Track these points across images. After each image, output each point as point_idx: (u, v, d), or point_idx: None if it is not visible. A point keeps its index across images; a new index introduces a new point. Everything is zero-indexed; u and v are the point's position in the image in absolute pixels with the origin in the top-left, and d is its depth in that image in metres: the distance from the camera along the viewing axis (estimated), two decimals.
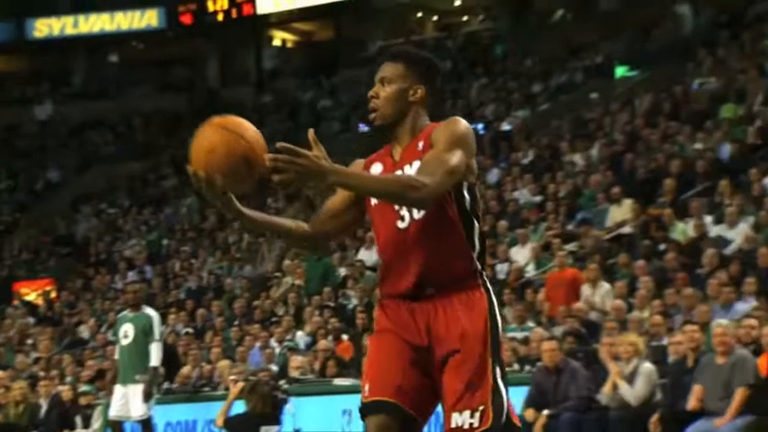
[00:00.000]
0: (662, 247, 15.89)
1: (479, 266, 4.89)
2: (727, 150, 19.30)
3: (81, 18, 36.08)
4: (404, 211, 4.84)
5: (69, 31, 36.28)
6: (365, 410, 4.84)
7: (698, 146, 18.93)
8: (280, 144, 4.19)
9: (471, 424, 4.70)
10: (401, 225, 4.84)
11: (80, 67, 37.63)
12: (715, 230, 15.74)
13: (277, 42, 39.07)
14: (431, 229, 4.84)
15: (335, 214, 5.04)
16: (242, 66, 38.13)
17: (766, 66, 22.04)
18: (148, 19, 36.20)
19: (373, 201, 4.92)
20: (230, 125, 4.63)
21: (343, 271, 21.72)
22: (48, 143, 33.33)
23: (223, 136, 4.57)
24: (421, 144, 4.86)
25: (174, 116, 35.78)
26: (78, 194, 31.60)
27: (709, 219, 15.94)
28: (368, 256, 21.70)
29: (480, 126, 26.49)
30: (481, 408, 4.68)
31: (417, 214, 4.85)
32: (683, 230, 16.08)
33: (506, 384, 4.80)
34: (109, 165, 33.85)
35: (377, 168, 5.02)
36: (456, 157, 4.68)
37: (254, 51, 38.33)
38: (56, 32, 35.79)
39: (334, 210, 5.04)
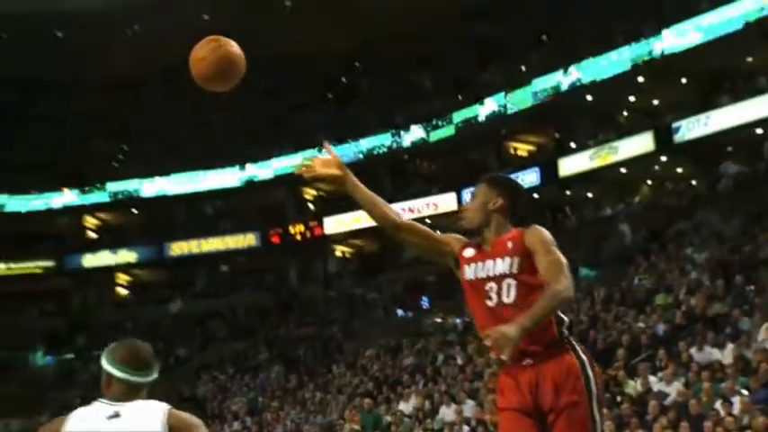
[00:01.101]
0: (618, 399, 15.73)
1: (567, 333, 4.64)
2: (662, 328, 19.22)
3: (203, 241, 36.80)
4: (492, 293, 4.63)
5: (194, 250, 36.91)
6: None
7: (641, 324, 19.03)
8: (489, 333, 4.08)
9: None
10: (489, 304, 4.64)
11: (201, 275, 37.95)
12: (657, 386, 15.73)
13: (338, 253, 38.78)
14: (522, 306, 4.52)
15: (430, 244, 4.83)
16: (314, 271, 37.82)
17: (686, 267, 22.16)
18: (249, 240, 36.61)
19: (467, 276, 4.69)
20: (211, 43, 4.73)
21: (388, 419, 21.19)
22: (178, 330, 33.66)
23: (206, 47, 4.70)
24: (510, 244, 4.66)
25: (266, 309, 35.58)
26: (199, 366, 31.71)
27: (652, 378, 15.93)
28: (405, 407, 21.17)
29: None
30: None
31: (506, 297, 4.62)
32: (634, 387, 16.11)
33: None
34: (221, 344, 33.86)
35: (469, 251, 4.77)
36: (559, 254, 4.52)
37: (322, 260, 37.89)
38: (185, 251, 36.45)
39: (433, 242, 4.83)
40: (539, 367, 4.55)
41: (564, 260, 4.49)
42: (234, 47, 4.75)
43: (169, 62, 34.81)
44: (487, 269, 4.64)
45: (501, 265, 4.60)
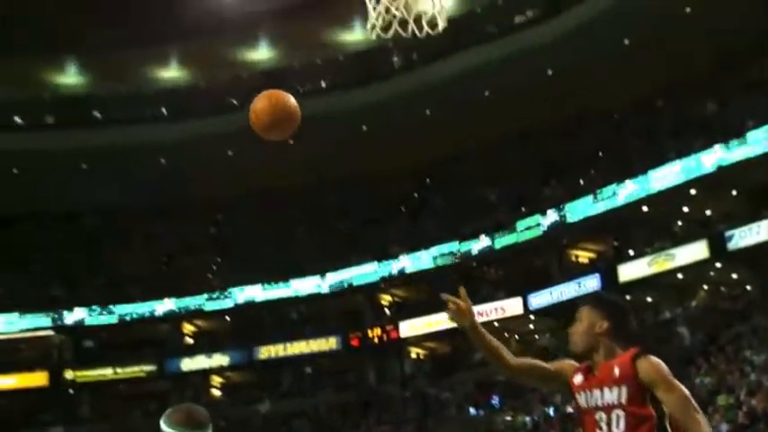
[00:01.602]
0: None
1: None
2: (725, 428, 19.06)
3: (288, 345, 36.78)
4: (603, 423, 4.41)
5: (281, 353, 36.83)
6: None
7: None
8: None
9: None
10: None
11: (287, 376, 37.89)
12: None
13: (413, 355, 38.53)
14: None
15: (545, 377, 4.66)
16: (391, 372, 37.57)
17: (745, 369, 21.92)
18: (330, 344, 36.49)
19: (580, 404, 4.49)
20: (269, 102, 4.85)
21: None
22: (267, 429, 33.88)
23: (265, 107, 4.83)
24: (617, 371, 4.41)
25: (347, 408, 35.38)
26: None
27: None
28: None
29: None
30: None
31: (616, 429, 4.37)
32: None
33: None
34: None
35: (579, 378, 4.55)
36: (682, 387, 4.29)
37: (398, 362, 37.69)
38: (272, 355, 36.53)
39: (548, 374, 4.64)
40: None
41: (688, 394, 4.29)
42: (289, 98, 4.88)
43: (257, 184, 36.38)
44: (596, 398, 4.44)
45: (609, 396, 4.39)
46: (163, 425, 3.98)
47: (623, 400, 4.31)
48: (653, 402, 4.30)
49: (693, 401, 4.22)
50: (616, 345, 4.44)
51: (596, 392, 4.40)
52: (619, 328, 4.46)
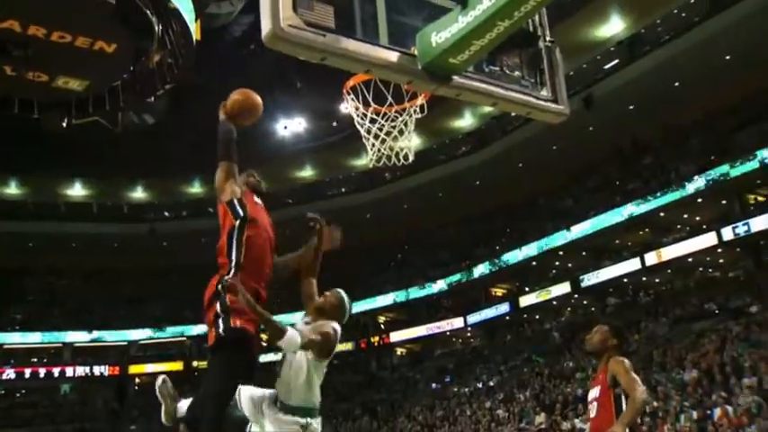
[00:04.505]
0: None
1: None
2: (579, 392, 18.70)
3: None
4: (592, 413, 4.28)
5: None
6: None
7: None
8: None
9: None
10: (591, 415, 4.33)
11: None
12: None
13: (398, 352, 37.05)
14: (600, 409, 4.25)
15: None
16: (384, 362, 36.67)
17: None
18: (348, 346, 34.42)
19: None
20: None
21: None
22: None
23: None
24: (601, 375, 4.31)
25: (358, 384, 34.59)
26: None
27: None
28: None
29: None
30: None
31: (592, 414, 4.25)
32: None
33: None
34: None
35: (594, 392, 4.36)
36: (635, 380, 4.17)
37: (389, 356, 36.67)
38: None
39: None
40: None
41: (636, 376, 4.16)
42: (255, 96, 4.21)
43: None
44: (593, 394, 4.46)
45: (593, 392, 4.45)
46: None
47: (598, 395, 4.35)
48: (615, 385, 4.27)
49: (638, 382, 4.16)
50: (614, 356, 4.41)
51: (592, 391, 4.45)
52: (620, 344, 4.46)
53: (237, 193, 3.97)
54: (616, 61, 27.53)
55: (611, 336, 4.53)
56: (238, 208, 3.95)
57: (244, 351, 3.84)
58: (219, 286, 3.81)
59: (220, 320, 3.78)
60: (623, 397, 4.28)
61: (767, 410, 13.49)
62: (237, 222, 3.91)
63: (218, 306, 3.80)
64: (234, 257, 3.87)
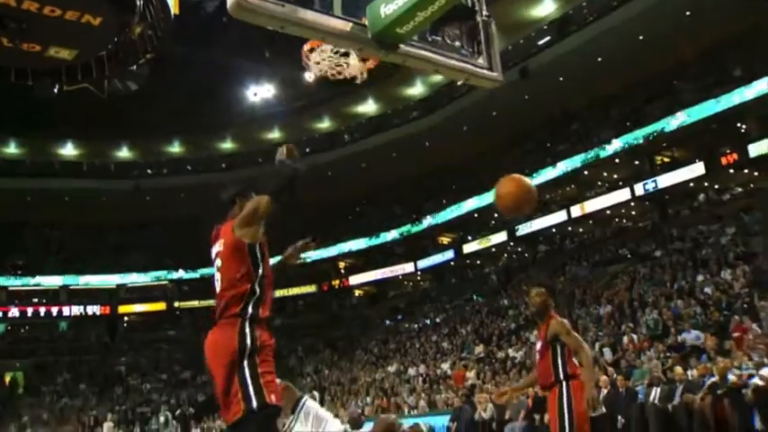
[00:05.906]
0: None
1: None
2: (513, 326, 19.21)
3: (289, 289, 34.05)
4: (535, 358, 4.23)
5: (285, 293, 33.61)
6: None
7: None
8: None
9: None
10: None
11: (289, 306, 34.63)
12: None
13: (356, 294, 36.44)
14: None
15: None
16: (344, 303, 36.32)
17: (524, 297, 20.99)
18: (311, 288, 34.94)
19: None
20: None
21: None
22: (279, 334, 25.46)
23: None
24: (543, 332, 4.28)
25: (321, 323, 33.89)
26: None
27: None
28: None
29: None
30: None
31: (538, 359, 4.24)
32: None
33: None
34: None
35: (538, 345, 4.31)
36: (578, 338, 4.16)
37: (348, 298, 36.29)
38: (279, 295, 31.77)
39: None
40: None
41: (578, 336, 4.16)
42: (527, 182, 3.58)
43: None
44: (537, 346, 4.55)
45: (538, 345, 4.55)
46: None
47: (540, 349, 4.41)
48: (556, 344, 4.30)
49: (581, 340, 4.18)
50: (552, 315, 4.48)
51: (537, 345, 4.49)
52: (556, 303, 4.42)
53: (259, 238, 3.02)
54: (548, 38, 27.43)
55: (549, 296, 4.64)
56: (260, 260, 3.00)
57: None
58: (249, 338, 2.79)
59: (250, 389, 2.72)
60: (558, 348, 4.38)
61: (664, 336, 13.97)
62: (259, 273, 2.96)
63: (246, 370, 2.73)
64: (251, 311, 2.90)
